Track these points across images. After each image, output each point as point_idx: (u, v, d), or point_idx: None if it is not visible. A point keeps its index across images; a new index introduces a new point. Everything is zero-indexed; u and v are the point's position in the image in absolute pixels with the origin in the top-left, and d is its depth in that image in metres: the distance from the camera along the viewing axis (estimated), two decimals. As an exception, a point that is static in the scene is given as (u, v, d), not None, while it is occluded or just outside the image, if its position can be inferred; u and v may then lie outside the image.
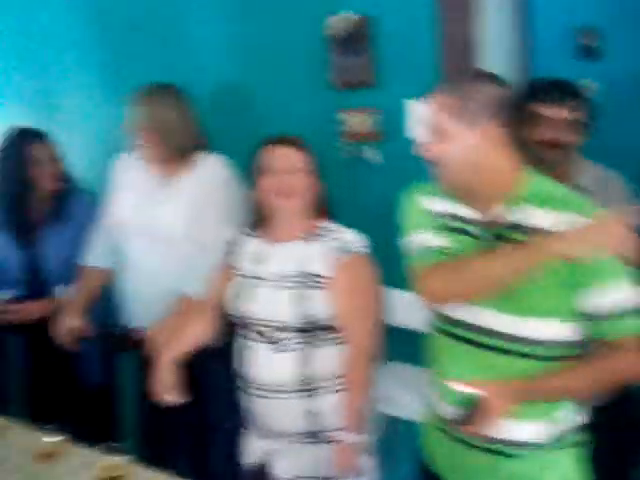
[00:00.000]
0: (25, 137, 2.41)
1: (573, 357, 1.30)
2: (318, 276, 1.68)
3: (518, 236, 1.28)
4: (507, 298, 1.26)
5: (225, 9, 2.54)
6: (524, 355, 1.27)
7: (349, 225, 1.76)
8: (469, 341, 1.33)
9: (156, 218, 2.16)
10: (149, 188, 2.21)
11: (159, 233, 2.16)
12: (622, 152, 2.14)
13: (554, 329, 1.27)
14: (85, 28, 2.80)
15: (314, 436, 1.71)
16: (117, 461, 1.53)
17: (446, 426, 1.38)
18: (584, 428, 1.39)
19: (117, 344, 2.26)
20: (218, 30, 2.54)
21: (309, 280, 1.68)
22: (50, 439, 1.66)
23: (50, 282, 2.49)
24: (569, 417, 1.35)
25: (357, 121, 2.42)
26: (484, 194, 1.33)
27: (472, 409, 1.24)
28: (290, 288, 1.69)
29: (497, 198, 1.32)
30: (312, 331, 1.68)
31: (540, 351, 1.27)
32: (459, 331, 1.35)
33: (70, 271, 2.40)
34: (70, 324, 2.24)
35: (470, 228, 1.35)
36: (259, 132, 1.83)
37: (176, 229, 2.13)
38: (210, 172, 2.16)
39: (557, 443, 1.33)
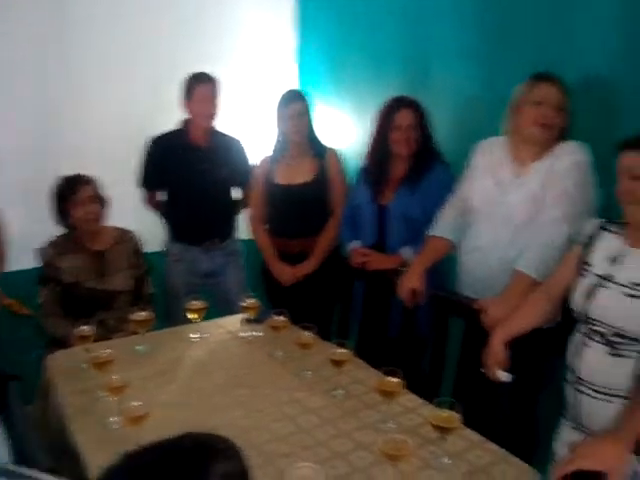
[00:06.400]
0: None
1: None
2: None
3: None
4: None
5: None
6: None
7: None
8: None
9: (505, 205, 2.29)
10: (504, 174, 2.33)
11: (505, 219, 2.28)
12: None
13: None
14: (464, 18, 2.94)
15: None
16: (448, 414, 1.72)
17: None
18: None
19: (447, 308, 2.45)
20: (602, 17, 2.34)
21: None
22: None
23: (393, 238, 2.79)
24: None
25: None
26: None
27: None
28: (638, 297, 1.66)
29: None
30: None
31: None
32: None
33: (416, 234, 2.65)
34: (411, 285, 2.51)
35: None
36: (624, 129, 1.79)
37: (520, 215, 2.24)
38: (566, 156, 2.20)
39: None
